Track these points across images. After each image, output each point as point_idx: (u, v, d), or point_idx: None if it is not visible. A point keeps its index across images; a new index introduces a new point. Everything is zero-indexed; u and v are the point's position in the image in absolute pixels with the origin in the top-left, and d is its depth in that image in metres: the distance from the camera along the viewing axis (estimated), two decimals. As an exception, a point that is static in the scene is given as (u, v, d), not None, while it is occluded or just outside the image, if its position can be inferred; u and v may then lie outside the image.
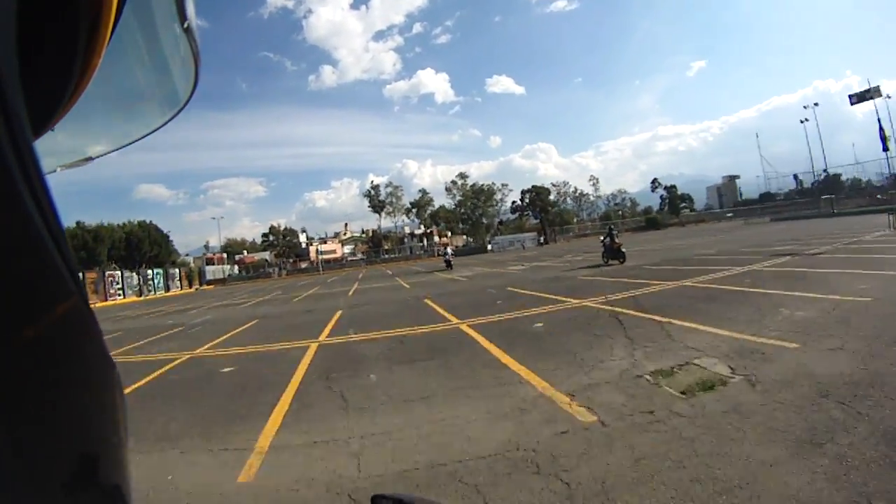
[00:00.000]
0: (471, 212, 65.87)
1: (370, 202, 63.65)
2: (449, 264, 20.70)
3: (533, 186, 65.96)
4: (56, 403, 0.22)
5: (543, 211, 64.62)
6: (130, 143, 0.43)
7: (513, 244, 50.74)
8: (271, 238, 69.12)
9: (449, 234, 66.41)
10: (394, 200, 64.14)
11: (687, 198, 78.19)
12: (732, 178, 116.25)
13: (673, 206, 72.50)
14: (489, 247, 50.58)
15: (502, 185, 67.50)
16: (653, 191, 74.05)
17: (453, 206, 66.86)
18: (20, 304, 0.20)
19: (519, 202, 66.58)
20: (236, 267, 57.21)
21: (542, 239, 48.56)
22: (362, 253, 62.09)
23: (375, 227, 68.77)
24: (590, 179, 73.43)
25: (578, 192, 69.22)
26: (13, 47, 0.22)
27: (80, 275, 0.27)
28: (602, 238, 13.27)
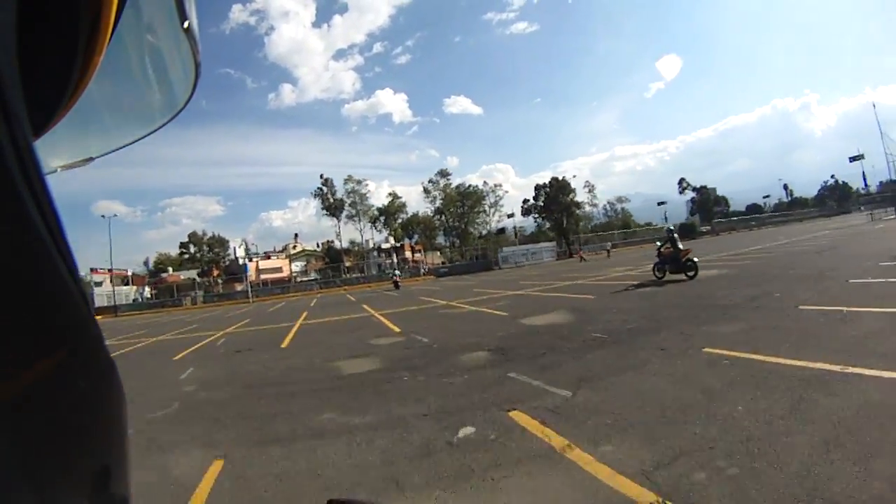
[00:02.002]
0: (456, 220, 63.80)
1: (323, 203, 60.24)
2: (396, 285, 29.18)
3: (553, 179, 62.49)
4: (61, 406, 0.26)
5: (566, 213, 60.54)
6: (131, 143, 0.52)
7: (526, 256, 47.18)
8: (192, 249, 65.18)
9: (422, 250, 63.98)
10: (357, 200, 60.80)
11: (722, 200, 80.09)
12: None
13: (705, 211, 73.84)
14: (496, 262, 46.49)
15: (495, 185, 65.43)
16: (681, 192, 76.95)
17: (432, 213, 64.62)
18: (22, 305, 0.23)
19: (532, 200, 63.22)
20: (147, 289, 53.60)
21: (608, 246, 42.97)
22: (316, 271, 59.28)
23: (332, 239, 65.23)
24: (585, 185, 71.09)
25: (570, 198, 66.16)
26: (13, 47, 0.26)
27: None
28: (659, 246, 12.09)
